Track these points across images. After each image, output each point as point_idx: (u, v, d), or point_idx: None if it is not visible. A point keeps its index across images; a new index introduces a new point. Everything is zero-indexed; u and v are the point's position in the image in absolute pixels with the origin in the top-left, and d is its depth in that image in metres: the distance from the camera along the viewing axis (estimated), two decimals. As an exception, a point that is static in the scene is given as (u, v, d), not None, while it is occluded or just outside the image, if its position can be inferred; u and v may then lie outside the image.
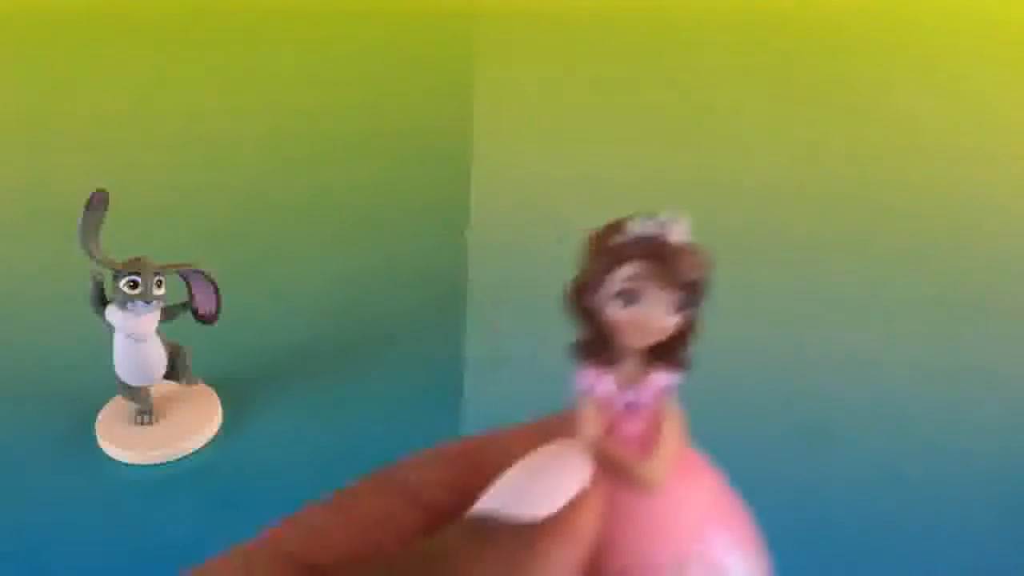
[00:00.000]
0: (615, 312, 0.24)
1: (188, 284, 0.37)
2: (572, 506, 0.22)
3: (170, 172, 0.64)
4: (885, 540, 0.37)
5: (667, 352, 0.24)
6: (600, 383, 0.25)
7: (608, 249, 0.25)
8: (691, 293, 0.24)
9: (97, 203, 0.34)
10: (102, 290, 0.36)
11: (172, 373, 0.39)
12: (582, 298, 0.25)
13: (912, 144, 0.71)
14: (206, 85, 0.80)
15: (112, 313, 0.35)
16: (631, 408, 0.24)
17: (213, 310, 0.38)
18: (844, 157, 0.69)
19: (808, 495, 0.38)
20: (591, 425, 0.24)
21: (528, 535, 0.21)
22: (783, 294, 0.52)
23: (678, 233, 0.26)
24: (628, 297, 0.24)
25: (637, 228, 0.25)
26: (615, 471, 0.24)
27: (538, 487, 0.22)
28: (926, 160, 0.69)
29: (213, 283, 0.38)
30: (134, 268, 0.34)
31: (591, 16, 0.96)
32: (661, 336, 0.24)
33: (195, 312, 0.38)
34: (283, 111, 0.74)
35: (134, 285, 0.34)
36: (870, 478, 0.39)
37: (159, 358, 0.36)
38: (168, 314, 0.36)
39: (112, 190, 0.36)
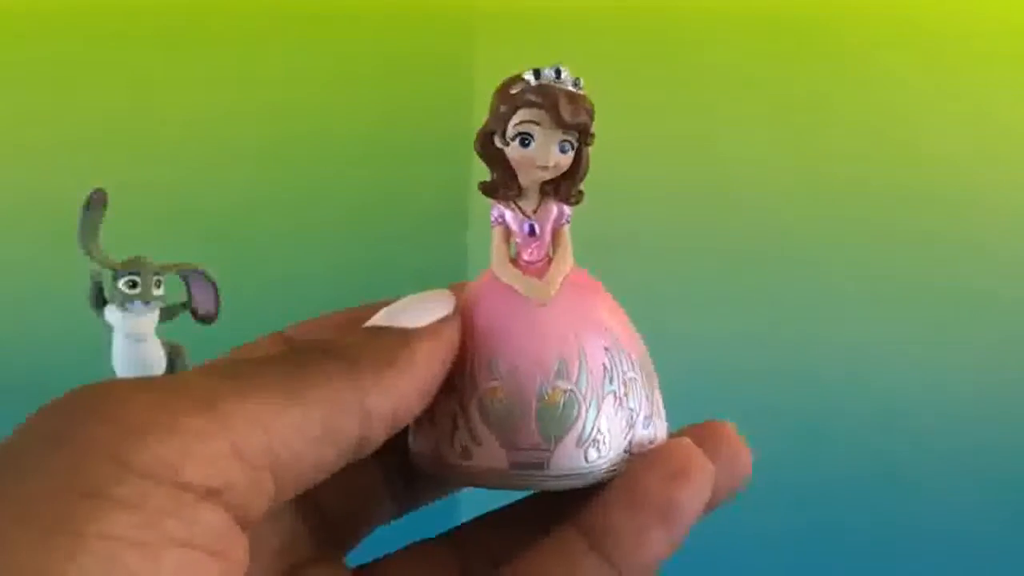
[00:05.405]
0: (514, 152, 0.28)
1: (187, 284, 0.38)
2: (438, 321, 0.30)
3: (170, 172, 0.64)
4: (885, 539, 0.37)
5: (560, 187, 0.29)
6: (507, 213, 0.29)
7: (508, 97, 0.29)
8: (577, 135, 0.28)
9: (96, 203, 0.34)
10: (101, 290, 0.36)
11: (171, 373, 0.39)
12: (490, 141, 0.30)
13: (913, 141, 0.71)
14: (206, 85, 0.80)
15: (111, 313, 0.35)
16: (532, 233, 0.29)
17: (212, 310, 0.38)
18: (842, 154, 0.69)
19: (807, 494, 0.38)
20: (500, 246, 0.30)
21: (405, 333, 0.29)
22: (783, 293, 0.52)
23: (567, 82, 0.29)
24: (523, 138, 0.28)
25: (531, 78, 0.29)
26: (513, 288, 0.29)
27: (412, 310, 0.30)
28: (926, 158, 0.69)
29: (213, 283, 0.38)
30: (133, 268, 0.34)
31: (592, 16, 0.96)
32: (555, 173, 0.29)
33: (194, 312, 0.38)
34: (283, 111, 0.74)
35: (133, 285, 0.34)
36: (869, 477, 0.39)
37: (158, 358, 0.36)
38: (167, 314, 0.36)
39: (112, 190, 0.36)
